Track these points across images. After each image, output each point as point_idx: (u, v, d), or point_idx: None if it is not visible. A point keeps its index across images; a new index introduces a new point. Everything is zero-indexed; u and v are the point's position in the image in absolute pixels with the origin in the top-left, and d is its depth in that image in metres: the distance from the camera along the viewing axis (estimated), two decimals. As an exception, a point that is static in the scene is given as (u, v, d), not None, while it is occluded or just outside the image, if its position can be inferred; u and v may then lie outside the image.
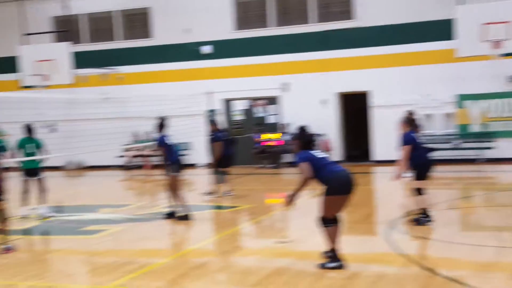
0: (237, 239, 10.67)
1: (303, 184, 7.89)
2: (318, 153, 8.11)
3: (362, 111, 22.66)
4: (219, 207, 14.10)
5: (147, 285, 7.70)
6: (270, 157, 22.08)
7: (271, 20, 22.66)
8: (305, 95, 22.11)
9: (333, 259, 8.00)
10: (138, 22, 24.39)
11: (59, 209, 14.13)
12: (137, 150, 23.88)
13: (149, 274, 8.25)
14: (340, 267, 7.96)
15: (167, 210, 12.43)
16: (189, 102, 22.07)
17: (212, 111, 18.66)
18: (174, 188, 12.14)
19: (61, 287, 7.90)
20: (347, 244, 8.65)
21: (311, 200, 14.65)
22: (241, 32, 22.94)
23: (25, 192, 13.17)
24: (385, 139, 20.79)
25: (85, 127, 22.54)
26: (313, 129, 21.76)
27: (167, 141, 12.18)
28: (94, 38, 24.86)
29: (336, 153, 21.85)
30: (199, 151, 21.93)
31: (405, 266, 8.18)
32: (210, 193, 15.31)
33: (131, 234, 11.28)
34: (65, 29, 22.36)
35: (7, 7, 24.75)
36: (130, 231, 11.53)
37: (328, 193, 7.86)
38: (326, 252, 8.11)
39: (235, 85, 22.80)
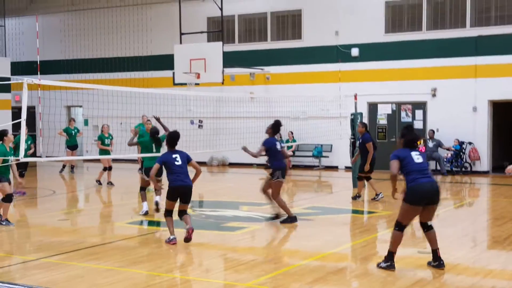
0: (376, 246, 10.43)
1: (393, 179, 8.44)
2: (417, 156, 8.34)
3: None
4: (358, 212, 13.90)
5: (286, 286, 7.68)
6: (414, 163, 21.45)
7: (424, 23, 22.02)
8: (454, 102, 21.32)
9: (386, 260, 8.39)
10: (289, 23, 24.62)
11: (201, 204, 14.53)
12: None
13: (287, 275, 8.24)
14: (389, 267, 8.32)
15: (272, 213, 12.39)
16: (333, 104, 21.97)
17: (356, 114, 18.47)
18: (275, 192, 12.02)
19: (200, 282, 8.08)
20: (494, 260, 8.19)
21: (455, 211, 14.13)
22: (392, 35, 22.49)
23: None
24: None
25: (230, 125, 23.06)
26: (461, 136, 21.07)
27: (275, 145, 12.09)
28: (245, 38, 25.36)
29: (484, 162, 20.92)
30: (342, 154, 21.76)
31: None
32: (356, 197, 15.03)
33: (269, 233, 11.36)
34: (219, 29, 22.96)
35: (169, 7, 25.78)
36: (269, 230, 11.61)
37: (404, 199, 8.25)
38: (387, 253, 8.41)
39: (381, 88, 22.41)
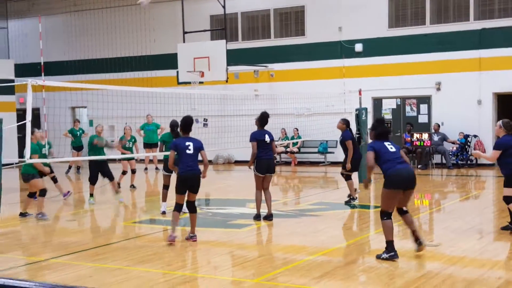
0: (382, 240, 10.43)
1: (369, 170, 8.78)
2: (390, 147, 8.71)
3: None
4: (364, 207, 13.90)
5: (293, 282, 7.71)
6: (419, 157, 21.49)
7: (428, 17, 22.00)
8: (459, 95, 21.32)
9: (387, 250, 8.60)
10: (292, 20, 24.63)
11: (207, 202, 14.55)
12: (285, 146, 24.11)
13: (294, 270, 8.26)
14: (392, 257, 8.52)
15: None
16: (338, 100, 21.97)
17: (361, 109, 18.41)
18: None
19: (208, 279, 8.11)
20: (500, 252, 8.18)
21: (461, 204, 14.13)
22: (395, 30, 22.47)
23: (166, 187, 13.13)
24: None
25: (235, 123, 23.09)
26: (466, 129, 21.07)
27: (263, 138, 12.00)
28: (248, 36, 25.38)
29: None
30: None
31: None
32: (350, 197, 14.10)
33: (277, 229, 11.38)
34: (222, 27, 22.99)
35: (172, 5, 25.80)
36: (276, 226, 11.63)
37: (384, 186, 8.59)
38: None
39: (386, 83, 22.40)
